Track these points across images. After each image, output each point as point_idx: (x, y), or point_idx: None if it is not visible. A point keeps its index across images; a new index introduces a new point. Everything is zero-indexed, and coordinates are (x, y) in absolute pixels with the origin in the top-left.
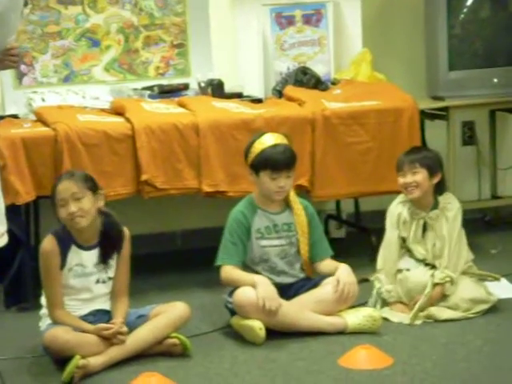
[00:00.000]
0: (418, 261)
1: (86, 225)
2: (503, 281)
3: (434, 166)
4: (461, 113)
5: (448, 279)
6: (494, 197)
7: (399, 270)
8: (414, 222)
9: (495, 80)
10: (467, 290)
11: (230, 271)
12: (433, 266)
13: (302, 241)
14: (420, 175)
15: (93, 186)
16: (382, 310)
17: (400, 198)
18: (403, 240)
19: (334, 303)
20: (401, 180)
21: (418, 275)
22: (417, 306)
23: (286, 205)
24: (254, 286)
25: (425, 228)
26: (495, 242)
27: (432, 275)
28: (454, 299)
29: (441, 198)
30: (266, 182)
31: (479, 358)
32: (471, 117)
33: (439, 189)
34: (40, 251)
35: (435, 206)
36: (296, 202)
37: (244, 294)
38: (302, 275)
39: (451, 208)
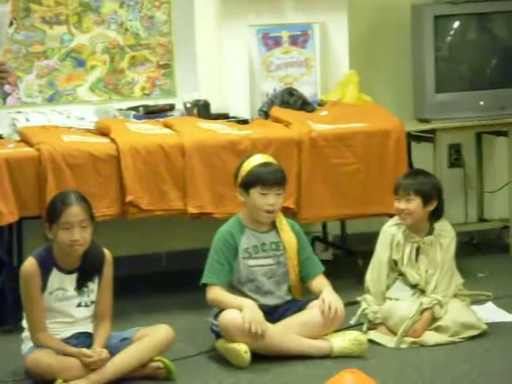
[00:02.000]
0: (411, 286)
1: (81, 253)
2: (490, 304)
3: (429, 193)
4: (447, 135)
5: (435, 302)
6: (481, 220)
7: (389, 298)
8: (408, 245)
9: (481, 103)
10: (459, 314)
11: (216, 292)
12: (422, 293)
13: (290, 259)
14: (413, 203)
15: (93, 215)
16: (368, 333)
17: (395, 219)
18: (395, 263)
19: (320, 326)
20: (395, 204)
21: (407, 308)
22: (401, 329)
23: (273, 224)
24: (240, 309)
25: (417, 252)
26: (482, 266)
27: (420, 304)
28: (445, 321)
29: (436, 225)
30: (257, 198)
31: (466, 383)
32: (458, 139)
33: (436, 215)
34: (21, 274)
35: (430, 231)
36: (283, 221)
37: (230, 317)
38: (288, 297)
39: (446, 235)
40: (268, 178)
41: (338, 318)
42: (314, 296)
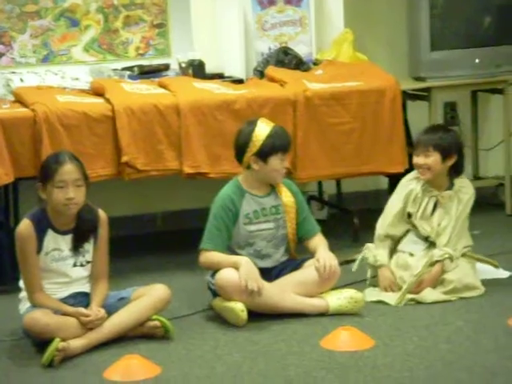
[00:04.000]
0: (423, 239)
1: (75, 213)
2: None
3: (448, 148)
4: (443, 93)
5: (447, 256)
6: (476, 177)
7: (402, 252)
8: (426, 198)
9: (477, 60)
10: (465, 274)
11: (209, 256)
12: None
13: (290, 220)
14: (432, 158)
15: (86, 175)
16: (368, 294)
17: (414, 173)
18: (409, 215)
19: (316, 285)
20: (414, 158)
21: (419, 265)
22: (405, 286)
23: (272, 187)
24: (236, 267)
25: (435, 207)
26: (477, 223)
27: (431, 255)
28: (451, 276)
29: (456, 181)
30: (277, 164)
31: (460, 340)
32: (453, 97)
33: (455, 170)
34: (16, 235)
35: (450, 187)
36: (280, 182)
37: (226, 276)
38: (284, 258)
39: (466, 192)
40: (287, 145)
41: (334, 276)
42: (311, 255)
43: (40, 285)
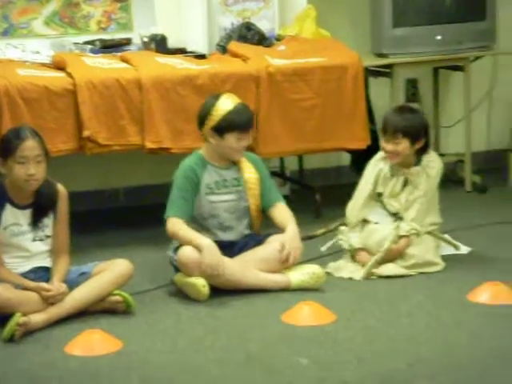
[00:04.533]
0: (390, 214)
1: (35, 188)
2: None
3: (417, 133)
4: (404, 70)
5: (414, 231)
6: (437, 154)
7: (368, 221)
8: (394, 177)
9: (438, 37)
10: (427, 251)
11: (177, 226)
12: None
13: (252, 196)
14: (401, 145)
15: (47, 151)
16: (335, 269)
17: (381, 154)
18: (378, 195)
19: (278, 262)
20: (382, 144)
21: (385, 230)
22: (372, 260)
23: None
24: (199, 248)
25: (405, 184)
26: (438, 200)
27: (397, 227)
28: (413, 251)
29: (424, 156)
30: (233, 142)
31: (421, 314)
32: (415, 74)
33: (422, 150)
34: None
35: (417, 163)
36: (243, 158)
37: (188, 254)
38: (247, 232)
39: (433, 166)
40: (246, 125)
41: (295, 261)
42: (277, 230)
43: (1, 259)
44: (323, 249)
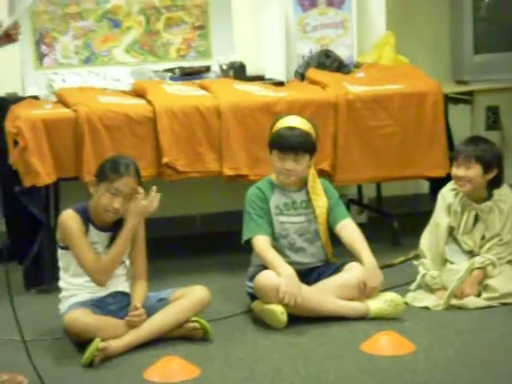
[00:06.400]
0: (464, 252)
1: (111, 220)
2: None
3: (490, 161)
4: (485, 97)
5: (488, 262)
6: None
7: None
8: (466, 212)
9: None
10: (509, 281)
11: (265, 244)
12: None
13: (322, 223)
14: (473, 171)
15: (141, 184)
16: (413, 299)
17: (452, 184)
18: (451, 229)
19: (356, 289)
20: (454, 170)
21: (463, 272)
22: (449, 290)
23: (304, 184)
24: (279, 276)
25: (476, 220)
26: None
27: (472, 262)
28: (496, 282)
29: (495, 191)
30: (275, 161)
31: (503, 345)
32: (496, 101)
33: (494, 183)
34: (61, 222)
35: (488, 198)
36: (317, 185)
37: (266, 279)
38: (322, 256)
39: (506, 200)
40: (284, 144)
41: (376, 291)
42: (351, 257)
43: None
44: (412, 287)
